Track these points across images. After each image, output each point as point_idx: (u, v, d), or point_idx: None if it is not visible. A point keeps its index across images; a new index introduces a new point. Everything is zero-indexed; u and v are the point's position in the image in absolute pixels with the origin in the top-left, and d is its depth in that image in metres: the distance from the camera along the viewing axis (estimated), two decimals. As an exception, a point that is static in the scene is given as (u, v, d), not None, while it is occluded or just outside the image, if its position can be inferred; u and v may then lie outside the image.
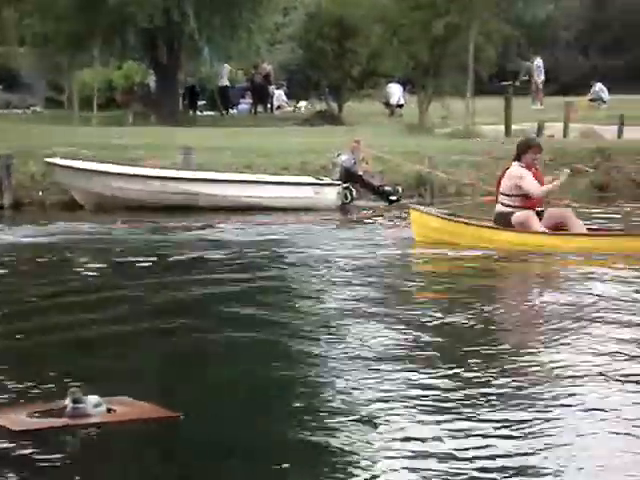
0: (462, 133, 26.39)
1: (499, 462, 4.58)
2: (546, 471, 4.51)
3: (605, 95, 36.06)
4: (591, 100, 35.79)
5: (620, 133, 26.23)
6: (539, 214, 11.83)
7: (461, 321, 7.77)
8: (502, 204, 11.85)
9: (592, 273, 10.09)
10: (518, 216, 11.65)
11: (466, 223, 12.23)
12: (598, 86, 36.37)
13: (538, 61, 37.48)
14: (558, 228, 11.79)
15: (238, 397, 5.80)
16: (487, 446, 4.78)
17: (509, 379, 5.96)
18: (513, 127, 27.36)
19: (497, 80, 34.23)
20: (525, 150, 11.93)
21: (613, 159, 21.37)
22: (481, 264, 10.99)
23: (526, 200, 11.73)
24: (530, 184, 11.68)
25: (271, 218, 15.63)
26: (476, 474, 4.46)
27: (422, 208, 12.96)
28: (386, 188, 18.20)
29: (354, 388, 5.79)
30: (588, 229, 11.99)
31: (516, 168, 11.87)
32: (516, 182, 11.70)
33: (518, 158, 11.91)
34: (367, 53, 30.88)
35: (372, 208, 17.39)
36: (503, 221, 11.82)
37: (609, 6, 54.16)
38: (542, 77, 37.15)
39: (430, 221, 12.43)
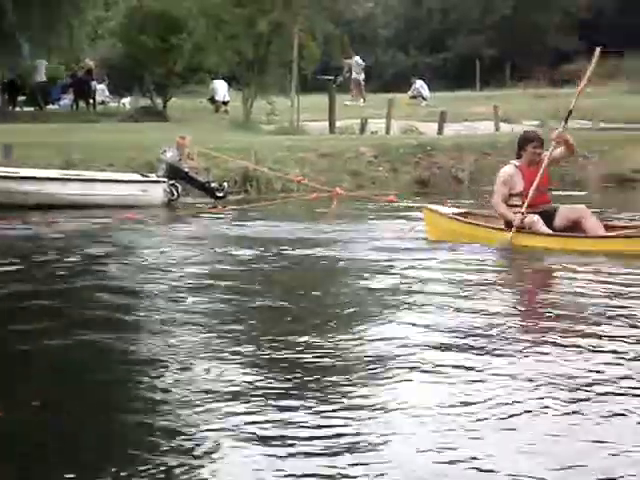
0: (287, 130, 26.64)
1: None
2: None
3: (425, 92, 36.98)
4: (412, 97, 36.64)
5: (440, 130, 26.96)
6: (553, 212, 10.78)
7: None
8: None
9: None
10: (525, 223, 10.60)
11: (477, 225, 11.24)
12: (418, 83, 37.27)
13: (357, 58, 38.19)
14: (574, 227, 10.60)
15: (61, 395, 5.71)
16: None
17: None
18: (337, 124, 27.78)
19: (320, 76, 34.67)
20: (523, 145, 10.87)
21: (434, 155, 21.94)
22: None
23: (515, 197, 10.79)
24: (495, 189, 10.90)
25: (94, 215, 15.36)
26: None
27: (434, 207, 11.95)
28: (212, 184, 18.21)
29: (193, 385, 5.78)
30: (605, 225, 10.70)
31: (504, 167, 11.03)
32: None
33: (518, 155, 10.94)
34: (191, 48, 30.67)
35: (198, 204, 17.35)
36: (506, 223, 10.93)
37: (426, 3, 55.57)
38: (362, 74, 37.84)
39: (442, 221, 11.57)
